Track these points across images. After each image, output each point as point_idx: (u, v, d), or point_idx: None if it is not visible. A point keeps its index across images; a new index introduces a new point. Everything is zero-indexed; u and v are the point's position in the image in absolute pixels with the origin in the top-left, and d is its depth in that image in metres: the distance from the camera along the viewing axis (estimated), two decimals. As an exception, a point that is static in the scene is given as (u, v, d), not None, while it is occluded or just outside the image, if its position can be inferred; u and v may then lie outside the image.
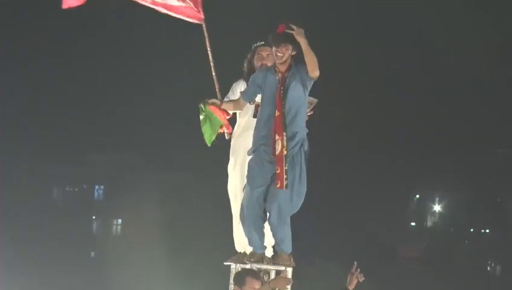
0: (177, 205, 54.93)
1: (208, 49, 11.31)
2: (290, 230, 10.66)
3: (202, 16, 11.59)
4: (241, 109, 11.16)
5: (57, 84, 61.24)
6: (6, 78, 60.98)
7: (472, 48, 71.33)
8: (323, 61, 10.97)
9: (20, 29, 60.37)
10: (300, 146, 10.49)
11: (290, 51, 10.33)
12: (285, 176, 10.33)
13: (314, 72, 10.31)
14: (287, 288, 10.52)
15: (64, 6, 11.71)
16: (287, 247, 10.59)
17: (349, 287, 10.47)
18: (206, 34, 11.41)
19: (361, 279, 10.56)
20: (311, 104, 11.12)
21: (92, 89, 61.29)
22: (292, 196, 10.38)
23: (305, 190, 10.64)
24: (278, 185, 10.26)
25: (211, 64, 11.31)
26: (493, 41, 72.65)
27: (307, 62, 10.26)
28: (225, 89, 11.52)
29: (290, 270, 10.58)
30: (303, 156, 10.56)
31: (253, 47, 11.22)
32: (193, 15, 11.72)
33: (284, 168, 10.31)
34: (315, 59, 10.27)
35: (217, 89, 11.26)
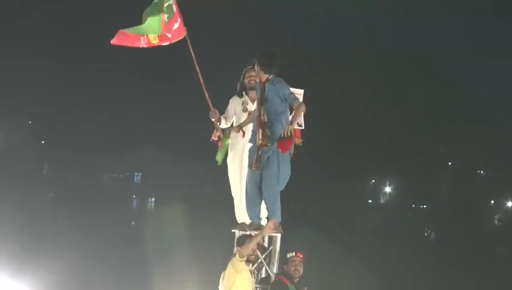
0: (195, 187, 54.79)
1: (195, 62, 10.66)
2: (279, 204, 10.37)
3: (185, 31, 10.94)
4: (230, 120, 10.96)
5: (107, 91, 60.69)
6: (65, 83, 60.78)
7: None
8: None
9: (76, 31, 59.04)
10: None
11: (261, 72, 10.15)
12: (258, 161, 10.03)
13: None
14: (276, 229, 10.31)
15: (113, 42, 10.86)
16: (277, 218, 10.31)
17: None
18: (192, 51, 10.73)
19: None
20: (299, 94, 10.74)
21: (134, 96, 60.73)
22: (278, 178, 10.10)
23: (289, 174, 10.35)
24: (253, 168, 10.06)
25: (201, 80, 10.67)
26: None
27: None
28: (223, 103, 11.22)
29: (279, 235, 10.37)
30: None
31: (244, 70, 10.93)
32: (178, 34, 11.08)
33: (258, 154, 10.01)
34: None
35: (208, 100, 10.79)
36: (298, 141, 10.65)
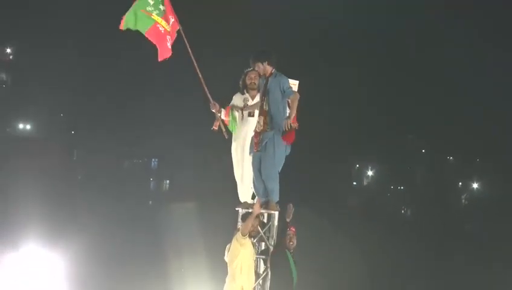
0: (204, 171, 54.63)
1: (192, 57, 10.31)
2: (277, 185, 10.24)
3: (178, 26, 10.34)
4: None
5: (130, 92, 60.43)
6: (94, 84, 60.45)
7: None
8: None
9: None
10: (278, 129, 10.03)
11: (263, 66, 10.16)
12: (259, 144, 10.03)
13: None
14: (274, 208, 10.19)
15: (160, 59, 10.20)
16: (275, 197, 10.21)
17: (287, 218, 10.17)
18: (187, 44, 10.32)
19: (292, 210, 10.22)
20: (294, 85, 10.68)
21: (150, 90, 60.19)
22: (274, 160, 10.02)
23: (283, 157, 10.24)
24: (254, 150, 10.06)
25: (199, 75, 10.37)
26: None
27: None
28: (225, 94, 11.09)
29: (276, 213, 10.24)
30: (279, 135, 10.06)
31: (245, 71, 10.75)
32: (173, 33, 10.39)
33: (259, 138, 10.00)
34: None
35: (207, 93, 10.59)
36: (294, 125, 10.58)
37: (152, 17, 10.06)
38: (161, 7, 10.14)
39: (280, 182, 10.22)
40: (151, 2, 10.07)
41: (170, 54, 10.23)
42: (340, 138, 62.73)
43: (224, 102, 10.85)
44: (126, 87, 59.67)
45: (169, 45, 10.18)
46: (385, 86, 66.63)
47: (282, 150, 10.13)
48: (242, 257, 9.76)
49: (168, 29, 10.14)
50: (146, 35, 10.14)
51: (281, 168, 10.23)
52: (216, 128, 10.60)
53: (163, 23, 10.11)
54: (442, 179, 65.81)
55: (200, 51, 10.86)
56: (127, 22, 9.98)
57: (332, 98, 63.13)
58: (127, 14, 9.97)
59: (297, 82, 10.82)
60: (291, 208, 10.39)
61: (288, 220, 10.29)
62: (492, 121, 63.87)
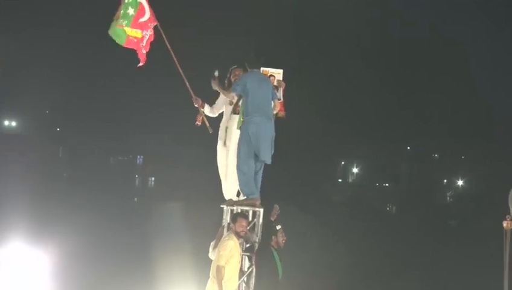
0: (189, 168, 54.75)
1: (172, 54, 10.31)
2: (246, 184, 10.26)
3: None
4: (218, 109, 10.92)
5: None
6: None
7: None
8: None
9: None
10: (247, 124, 10.13)
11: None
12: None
13: None
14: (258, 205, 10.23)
15: (141, 63, 10.46)
16: (250, 194, 10.29)
17: (272, 218, 10.24)
18: (166, 41, 10.36)
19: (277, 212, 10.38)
20: (278, 74, 10.79)
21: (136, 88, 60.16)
22: (239, 155, 10.23)
23: (245, 153, 10.23)
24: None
25: (180, 71, 10.41)
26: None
27: None
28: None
29: (261, 210, 10.22)
30: (245, 132, 10.17)
31: (230, 69, 10.83)
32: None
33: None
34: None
35: (189, 89, 10.62)
36: (281, 114, 10.62)
37: (124, 29, 10.27)
38: (129, 11, 10.28)
39: (265, 180, 10.21)
40: (121, 13, 10.27)
41: (144, 61, 10.40)
42: (326, 135, 62.96)
43: (209, 98, 10.88)
44: (112, 84, 59.68)
45: (144, 51, 10.36)
46: (370, 83, 66.94)
47: (243, 146, 10.24)
48: (231, 263, 9.75)
49: (140, 36, 10.32)
50: (125, 46, 10.45)
51: (243, 164, 10.30)
52: (199, 123, 10.60)
53: (133, 32, 10.31)
54: (427, 176, 66.18)
55: (182, 46, 10.90)
56: (112, 35, 10.32)
57: (317, 94, 63.32)
58: (109, 30, 10.34)
59: (281, 71, 10.89)
60: (276, 209, 10.44)
61: (272, 219, 10.33)
62: (477, 118, 64.38)
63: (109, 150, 62.00)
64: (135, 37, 10.30)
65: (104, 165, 59.45)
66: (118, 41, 10.36)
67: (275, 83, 10.81)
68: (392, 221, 52.22)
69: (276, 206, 10.43)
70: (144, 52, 10.35)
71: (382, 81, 68.30)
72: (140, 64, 10.42)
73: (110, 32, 10.35)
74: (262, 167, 10.44)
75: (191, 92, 10.50)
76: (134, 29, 10.28)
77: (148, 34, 10.34)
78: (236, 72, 10.67)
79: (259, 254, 10.05)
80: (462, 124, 64.81)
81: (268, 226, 10.23)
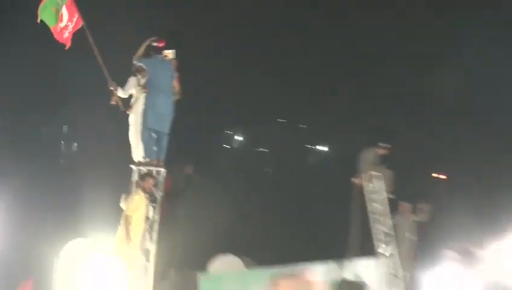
0: (108, 137, 53.66)
1: (95, 50, 10.16)
2: (148, 149, 10.90)
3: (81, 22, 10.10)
4: (128, 91, 11.15)
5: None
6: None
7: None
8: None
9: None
10: (150, 101, 10.77)
11: None
12: None
13: None
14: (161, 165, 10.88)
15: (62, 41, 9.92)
16: (151, 157, 10.98)
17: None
18: (91, 40, 10.16)
19: None
20: (170, 53, 11.09)
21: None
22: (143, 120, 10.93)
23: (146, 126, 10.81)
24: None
25: (100, 61, 10.32)
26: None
27: None
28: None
29: (163, 170, 10.99)
30: (149, 108, 10.78)
31: (146, 44, 11.02)
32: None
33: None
34: None
35: (107, 75, 10.67)
36: (177, 89, 11.16)
37: (56, 13, 9.94)
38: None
39: (171, 148, 10.90)
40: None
41: (69, 45, 10.05)
42: (215, 109, 63.06)
43: (122, 82, 11.19)
44: (39, 59, 57.40)
45: (67, 34, 10.03)
46: (245, 59, 66.39)
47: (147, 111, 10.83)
48: (140, 208, 10.41)
49: (64, 25, 10.01)
50: (52, 30, 10.00)
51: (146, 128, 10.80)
52: (114, 102, 10.89)
53: (63, 18, 9.98)
54: (296, 144, 67.21)
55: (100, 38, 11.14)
56: (41, 14, 9.88)
57: (206, 73, 63.01)
58: (41, 6, 9.86)
59: (172, 51, 11.17)
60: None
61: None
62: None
63: (37, 119, 60.55)
64: (60, 26, 9.98)
65: (32, 133, 57.86)
66: (48, 21, 9.92)
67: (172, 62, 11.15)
68: (269, 185, 52.99)
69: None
70: (68, 36, 10.03)
71: (251, 57, 67.38)
72: (66, 47, 10.06)
73: (42, 9, 9.82)
74: (166, 136, 10.98)
75: (108, 77, 10.71)
76: (65, 15, 9.99)
77: (73, 24, 10.07)
78: (138, 65, 10.99)
79: (164, 204, 10.81)
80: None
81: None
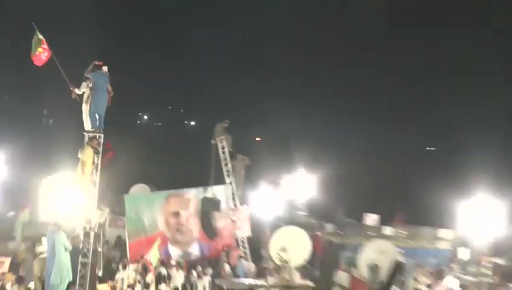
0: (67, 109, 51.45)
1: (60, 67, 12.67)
2: (92, 122, 14.05)
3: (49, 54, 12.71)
4: (83, 89, 14.07)
5: None
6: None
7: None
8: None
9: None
10: (93, 95, 14.18)
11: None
12: None
13: None
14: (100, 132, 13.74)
15: (38, 63, 12.96)
16: (93, 128, 13.94)
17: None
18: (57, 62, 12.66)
19: None
20: (105, 66, 14.24)
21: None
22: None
23: (91, 109, 13.84)
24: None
25: (63, 73, 12.95)
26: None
27: None
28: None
29: (102, 135, 14.12)
30: (93, 99, 14.00)
31: (92, 64, 14.13)
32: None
33: None
34: None
35: (68, 83, 13.30)
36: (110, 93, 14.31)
37: (39, 47, 13.18)
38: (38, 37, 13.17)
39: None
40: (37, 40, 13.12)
41: (43, 63, 13.12)
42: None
43: (78, 83, 14.19)
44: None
45: (44, 57, 13.22)
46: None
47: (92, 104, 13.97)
48: (90, 157, 13.56)
49: (42, 51, 13.22)
50: (32, 57, 13.18)
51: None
52: (74, 97, 14.12)
53: (41, 49, 13.28)
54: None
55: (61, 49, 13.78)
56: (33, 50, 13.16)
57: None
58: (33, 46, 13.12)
59: (106, 67, 14.12)
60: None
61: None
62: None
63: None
64: (40, 52, 13.33)
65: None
66: (32, 52, 12.97)
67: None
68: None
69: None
70: (44, 58, 13.23)
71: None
72: (40, 63, 13.15)
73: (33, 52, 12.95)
74: (103, 116, 14.34)
75: (68, 81, 13.66)
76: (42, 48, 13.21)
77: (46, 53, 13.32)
78: (89, 68, 14.13)
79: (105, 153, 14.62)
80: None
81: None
